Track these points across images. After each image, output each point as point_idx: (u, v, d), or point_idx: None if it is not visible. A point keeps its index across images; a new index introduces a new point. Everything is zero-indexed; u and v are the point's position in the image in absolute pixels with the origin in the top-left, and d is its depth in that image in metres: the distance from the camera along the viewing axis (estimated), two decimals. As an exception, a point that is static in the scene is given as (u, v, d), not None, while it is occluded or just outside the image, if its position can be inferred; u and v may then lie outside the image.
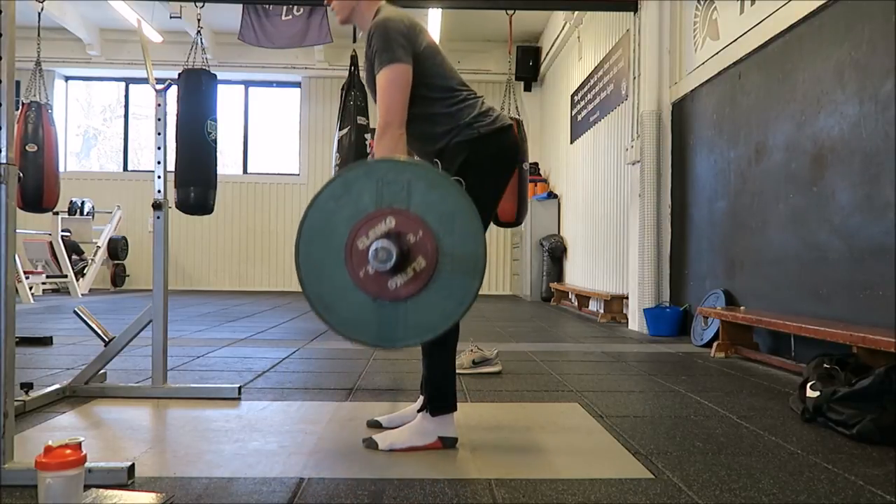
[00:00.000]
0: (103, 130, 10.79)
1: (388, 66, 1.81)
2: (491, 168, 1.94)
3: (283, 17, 6.65)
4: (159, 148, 2.55)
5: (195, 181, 3.30)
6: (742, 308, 3.86)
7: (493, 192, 1.99)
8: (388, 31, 1.84)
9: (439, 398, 1.86)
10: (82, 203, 8.60)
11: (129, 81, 10.29)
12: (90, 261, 8.74)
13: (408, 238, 1.31)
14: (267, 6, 6.55)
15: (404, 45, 1.84)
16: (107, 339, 2.51)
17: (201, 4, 4.36)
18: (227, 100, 10.11)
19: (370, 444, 1.87)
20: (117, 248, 9.36)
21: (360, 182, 1.33)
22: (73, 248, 8.58)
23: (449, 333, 1.91)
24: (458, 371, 3.00)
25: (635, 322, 5.18)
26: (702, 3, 4.62)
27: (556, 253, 8.36)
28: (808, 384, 2.30)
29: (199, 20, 4.20)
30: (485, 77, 9.89)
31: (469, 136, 1.91)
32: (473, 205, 1.36)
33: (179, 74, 3.38)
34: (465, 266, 1.33)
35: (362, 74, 1.94)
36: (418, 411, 1.93)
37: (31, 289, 7.39)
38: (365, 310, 1.21)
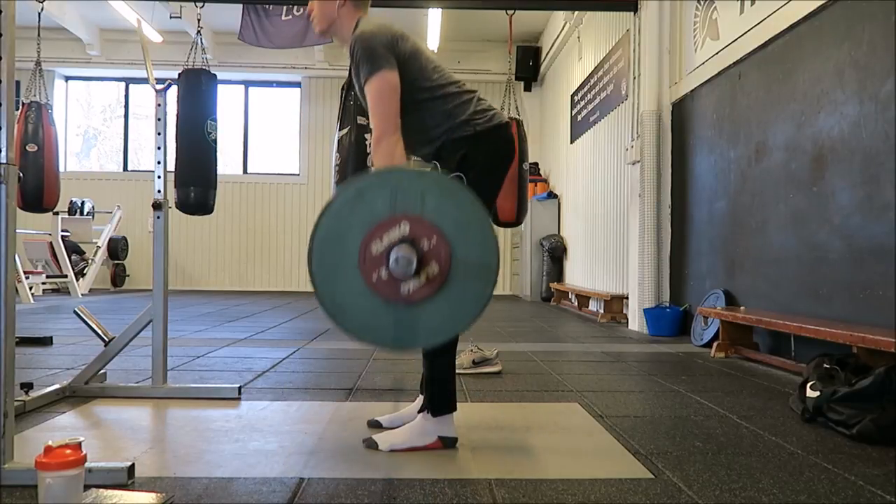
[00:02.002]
0: (103, 130, 10.79)
1: (373, 77, 1.80)
2: (489, 165, 1.95)
3: (283, 17, 6.65)
4: (159, 148, 2.55)
5: (195, 181, 3.29)
6: (742, 308, 3.86)
7: (492, 188, 2.00)
8: (368, 41, 1.83)
9: (440, 398, 1.86)
10: (82, 203, 8.60)
11: (129, 81, 10.29)
12: (90, 261, 8.74)
13: (422, 244, 1.33)
14: (267, 6, 6.55)
15: (386, 54, 1.83)
16: (107, 339, 2.51)
17: (201, 4, 4.36)
18: (227, 100, 10.11)
19: (370, 445, 1.87)
20: (117, 248, 9.36)
21: (373, 190, 1.35)
22: (73, 248, 8.58)
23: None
24: (458, 371, 3.00)
25: (635, 322, 5.18)
26: (702, 3, 4.62)
27: (556, 253, 8.36)
28: (808, 384, 2.30)
29: (199, 20, 4.20)
30: (485, 77, 9.89)
31: (466, 134, 1.91)
32: (487, 213, 1.38)
33: (179, 74, 3.37)
34: (477, 273, 1.35)
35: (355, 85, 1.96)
36: (419, 412, 1.93)
37: (31, 289, 7.38)
38: (378, 314, 1.22)
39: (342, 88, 4.64)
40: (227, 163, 10.16)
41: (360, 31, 1.89)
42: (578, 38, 7.67)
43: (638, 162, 5.14)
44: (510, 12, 5.05)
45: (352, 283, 1.33)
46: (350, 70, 2.01)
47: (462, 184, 1.88)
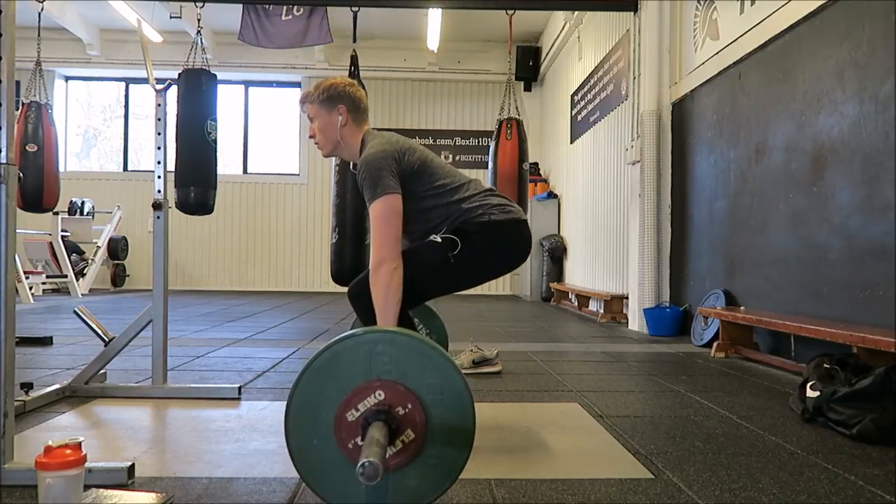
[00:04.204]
0: (103, 130, 10.78)
1: (376, 201, 1.82)
2: (491, 252, 1.95)
3: (283, 17, 6.65)
4: (159, 148, 2.55)
5: (195, 181, 3.30)
6: (742, 308, 3.86)
7: (481, 272, 2.00)
8: (374, 164, 1.84)
9: None
10: (82, 203, 8.60)
11: (129, 81, 10.29)
12: (90, 261, 8.74)
13: (397, 411, 1.32)
14: (267, 6, 6.55)
15: (392, 175, 1.84)
16: (107, 339, 2.51)
17: (201, 4, 4.36)
18: (227, 100, 10.11)
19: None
20: (117, 248, 9.36)
21: (349, 354, 1.34)
22: (73, 248, 8.58)
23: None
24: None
25: (635, 322, 5.18)
26: (702, 3, 4.62)
27: (556, 253, 8.36)
28: (808, 384, 2.30)
29: (199, 20, 4.20)
30: (485, 77, 9.89)
31: (477, 220, 1.92)
32: (463, 377, 1.36)
33: (179, 74, 3.37)
34: (453, 439, 1.34)
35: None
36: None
37: (31, 289, 7.38)
38: (353, 481, 1.21)
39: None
40: (227, 163, 10.16)
41: (366, 153, 1.89)
42: (578, 38, 7.68)
43: (638, 162, 5.14)
44: (510, 12, 5.04)
45: (327, 449, 1.33)
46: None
47: (452, 248, 1.88)
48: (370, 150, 1.88)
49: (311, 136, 2.07)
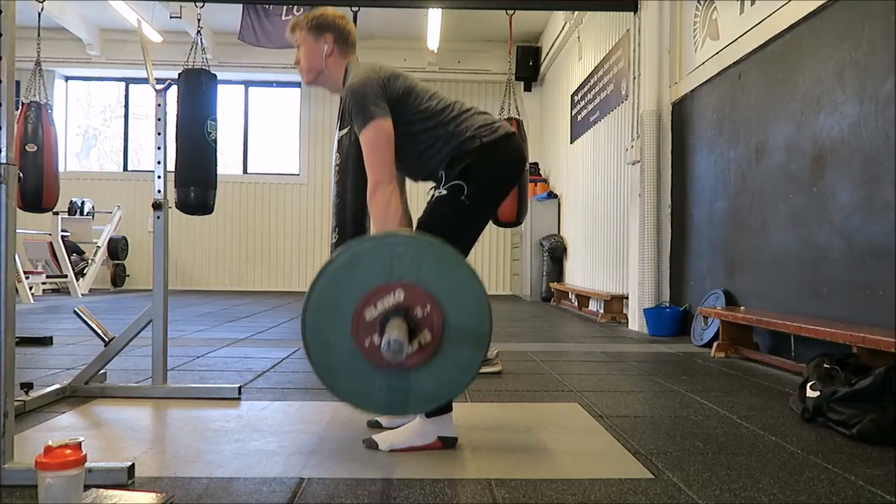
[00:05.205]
0: (103, 130, 10.78)
1: (366, 128, 1.82)
2: (493, 178, 1.95)
3: (283, 17, 6.65)
4: (159, 148, 2.55)
5: (195, 181, 3.30)
6: (742, 308, 3.86)
7: (493, 202, 2.00)
8: (360, 91, 1.84)
9: None
10: (82, 203, 8.60)
11: (129, 81, 10.29)
12: (90, 261, 8.74)
13: (415, 312, 1.35)
14: (267, 6, 6.56)
15: (379, 101, 1.85)
16: (107, 339, 2.51)
17: (201, 4, 4.36)
18: (227, 100, 10.11)
19: (370, 445, 1.87)
20: (117, 248, 9.36)
21: (370, 255, 1.36)
22: (73, 248, 8.58)
23: None
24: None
25: (635, 322, 5.18)
26: (702, 3, 4.62)
27: (556, 253, 8.36)
28: (808, 384, 2.30)
29: (199, 20, 4.21)
30: (485, 77, 9.89)
31: (472, 147, 1.92)
32: (480, 280, 1.38)
33: (179, 74, 3.38)
34: (469, 340, 1.36)
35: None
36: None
37: (31, 289, 7.38)
38: (370, 379, 1.23)
39: (342, 88, 4.61)
40: (227, 163, 10.16)
41: (350, 82, 1.89)
42: (578, 38, 7.67)
43: (638, 162, 5.14)
44: (510, 12, 5.04)
45: (345, 347, 1.34)
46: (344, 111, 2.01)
47: (461, 192, 1.89)
48: (355, 78, 1.88)
49: (295, 63, 2.09)
